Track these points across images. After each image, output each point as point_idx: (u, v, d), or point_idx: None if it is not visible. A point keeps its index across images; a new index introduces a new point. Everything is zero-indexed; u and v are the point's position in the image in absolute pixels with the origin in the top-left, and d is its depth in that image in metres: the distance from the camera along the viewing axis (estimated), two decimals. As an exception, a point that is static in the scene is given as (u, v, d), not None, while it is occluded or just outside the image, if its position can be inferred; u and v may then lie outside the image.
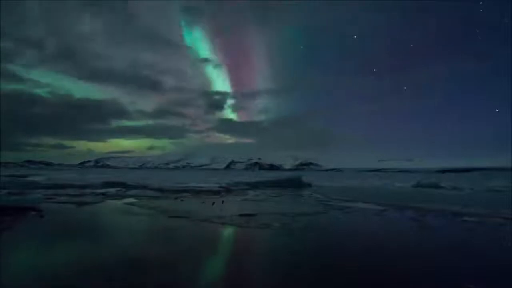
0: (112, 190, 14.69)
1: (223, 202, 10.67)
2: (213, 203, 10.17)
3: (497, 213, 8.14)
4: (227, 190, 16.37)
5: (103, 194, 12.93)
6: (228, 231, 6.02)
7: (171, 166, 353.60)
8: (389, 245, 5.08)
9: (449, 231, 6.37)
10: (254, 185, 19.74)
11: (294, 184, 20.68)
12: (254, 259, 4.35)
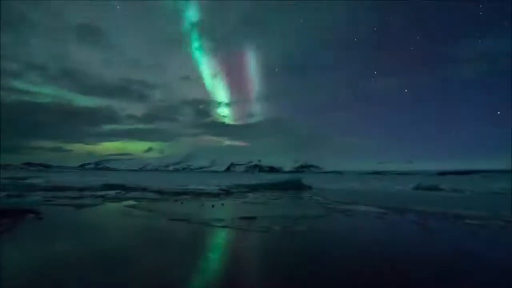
0: (112, 192, 14.63)
1: (222, 204, 10.64)
2: (213, 206, 10.16)
3: (498, 216, 8.11)
4: (227, 192, 16.31)
5: (102, 196, 12.88)
6: (228, 234, 5.97)
7: (170, 168, 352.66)
8: (392, 249, 5.05)
9: (451, 234, 6.33)
10: (254, 188, 19.70)
11: (294, 187, 20.65)
12: (255, 262, 4.31)
